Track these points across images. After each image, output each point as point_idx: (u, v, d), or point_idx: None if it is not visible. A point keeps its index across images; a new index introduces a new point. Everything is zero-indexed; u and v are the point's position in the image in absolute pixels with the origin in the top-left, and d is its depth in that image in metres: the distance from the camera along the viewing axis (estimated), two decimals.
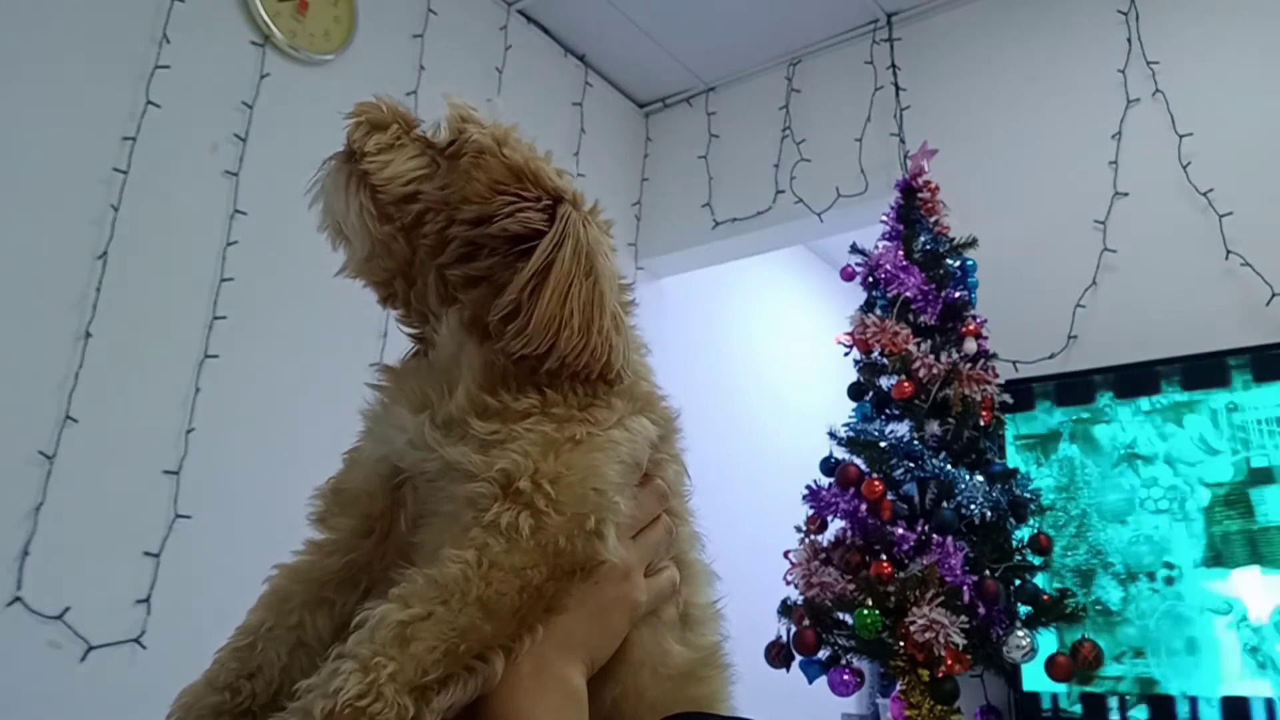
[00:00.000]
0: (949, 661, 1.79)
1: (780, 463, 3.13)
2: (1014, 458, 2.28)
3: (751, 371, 3.97)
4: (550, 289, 0.67)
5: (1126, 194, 2.49)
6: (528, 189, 0.70)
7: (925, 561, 1.85)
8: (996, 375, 2.13)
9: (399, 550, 0.71)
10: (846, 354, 2.24)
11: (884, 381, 2.17)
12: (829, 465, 2.14)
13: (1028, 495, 2.02)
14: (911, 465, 1.98)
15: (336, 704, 0.54)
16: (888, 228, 2.32)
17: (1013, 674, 2.08)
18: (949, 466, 1.97)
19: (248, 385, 2.22)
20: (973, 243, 2.28)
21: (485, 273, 0.70)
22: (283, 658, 0.69)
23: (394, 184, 0.71)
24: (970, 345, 2.12)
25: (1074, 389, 2.29)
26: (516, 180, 0.70)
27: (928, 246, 2.25)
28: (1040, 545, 1.98)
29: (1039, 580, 1.99)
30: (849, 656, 1.98)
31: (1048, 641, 1.89)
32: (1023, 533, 2.00)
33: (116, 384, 2.00)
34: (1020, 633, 1.83)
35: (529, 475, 0.63)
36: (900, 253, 2.23)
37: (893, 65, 3.04)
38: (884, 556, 1.92)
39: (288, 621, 0.70)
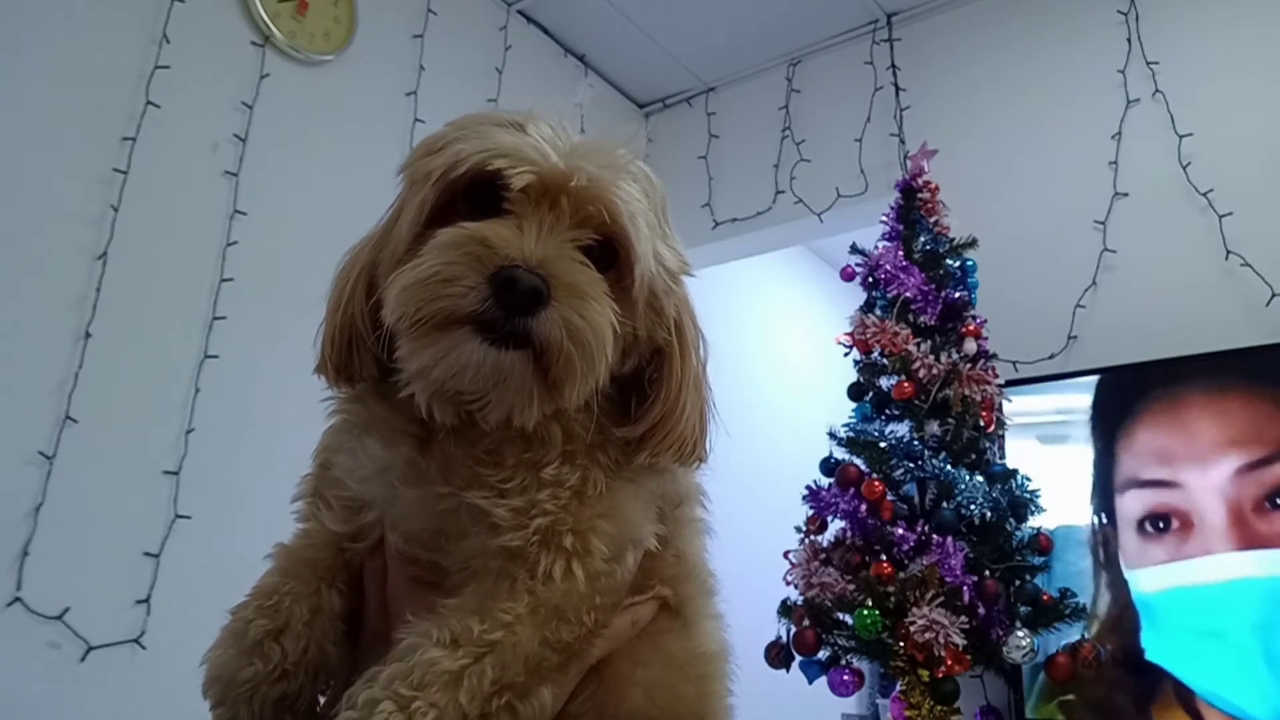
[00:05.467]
0: (949, 662, 1.79)
1: (781, 462, 3.13)
2: None
3: (751, 371, 3.97)
4: (684, 406, 0.71)
5: (1126, 194, 2.49)
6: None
7: (925, 562, 1.85)
8: (996, 375, 2.13)
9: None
10: (846, 354, 2.24)
11: (884, 382, 2.17)
12: (829, 465, 2.14)
13: (1027, 495, 2.02)
14: (911, 465, 1.98)
15: None
16: (888, 228, 2.32)
17: (1013, 674, 2.08)
18: (949, 467, 1.97)
19: (248, 385, 2.21)
20: (973, 243, 2.28)
21: None
22: (305, 615, 0.69)
23: None
24: (970, 345, 2.12)
25: None
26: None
27: (928, 247, 2.25)
28: (1040, 546, 1.98)
29: (1039, 581, 1.99)
30: (849, 657, 1.98)
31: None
32: (1023, 533, 2.00)
33: (116, 384, 2.00)
34: (1020, 633, 1.83)
35: (568, 529, 0.64)
36: (900, 253, 2.23)
37: (893, 65, 3.04)
38: (884, 557, 1.92)
39: (306, 588, 0.70)
